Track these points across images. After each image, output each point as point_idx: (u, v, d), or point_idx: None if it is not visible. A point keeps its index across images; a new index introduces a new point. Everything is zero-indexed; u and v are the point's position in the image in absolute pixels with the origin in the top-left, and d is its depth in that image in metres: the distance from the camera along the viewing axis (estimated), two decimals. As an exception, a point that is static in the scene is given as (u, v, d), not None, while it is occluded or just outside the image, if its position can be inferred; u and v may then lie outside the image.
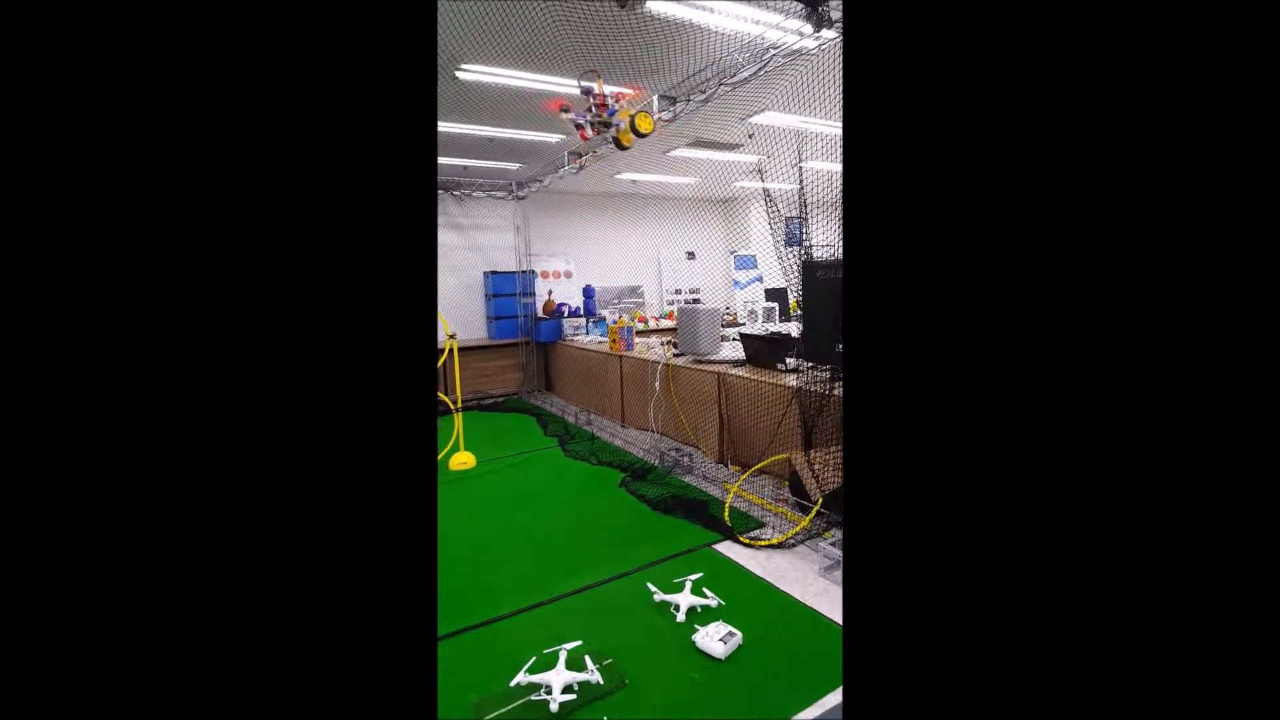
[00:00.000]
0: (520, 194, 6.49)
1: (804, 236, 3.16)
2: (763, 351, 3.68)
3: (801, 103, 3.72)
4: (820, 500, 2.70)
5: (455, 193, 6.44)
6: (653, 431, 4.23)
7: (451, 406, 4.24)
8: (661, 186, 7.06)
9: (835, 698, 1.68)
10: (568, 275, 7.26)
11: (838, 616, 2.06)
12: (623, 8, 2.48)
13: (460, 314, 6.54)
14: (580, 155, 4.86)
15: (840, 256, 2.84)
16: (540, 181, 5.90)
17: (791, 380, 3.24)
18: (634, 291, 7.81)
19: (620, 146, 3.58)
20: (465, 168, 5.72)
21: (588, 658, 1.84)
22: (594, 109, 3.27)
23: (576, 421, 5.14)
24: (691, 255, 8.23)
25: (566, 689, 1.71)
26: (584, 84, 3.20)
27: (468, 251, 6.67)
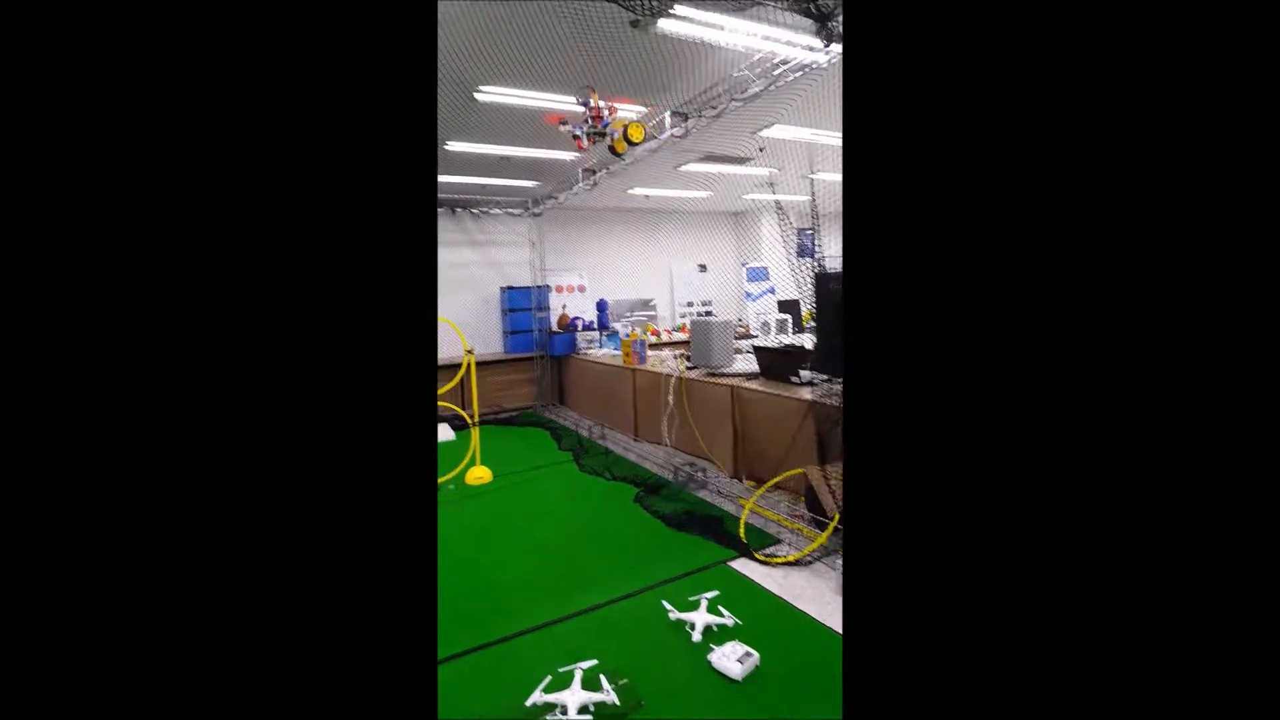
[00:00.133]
0: (536, 211, 6.57)
1: (816, 248, 3.15)
2: (777, 364, 3.66)
3: (812, 115, 3.74)
4: (837, 516, 2.66)
5: (473, 210, 6.54)
6: (666, 446, 4.21)
7: (469, 421, 4.27)
8: (673, 201, 7.10)
9: (856, 721, 1.64)
10: (581, 289, 7.31)
11: (857, 636, 2.02)
12: (636, 28, 2.52)
13: (477, 329, 6.61)
14: (594, 172, 4.92)
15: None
16: (555, 198, 5.98)
17: (806, 393, 3.21)
18: (646, 305, 7.84)
19: (615, 154, 3.75)
20: (483, 186, 5.82)
21: (603, 677, 1.83)
22: (590, 120, 3.44)
23: (590, 436, 5.15)
24: (703, 268, 8.24)
25: (582, 709, 1.70)
26: (580, 98, 3.36)
27: (485, 268, 6.75)
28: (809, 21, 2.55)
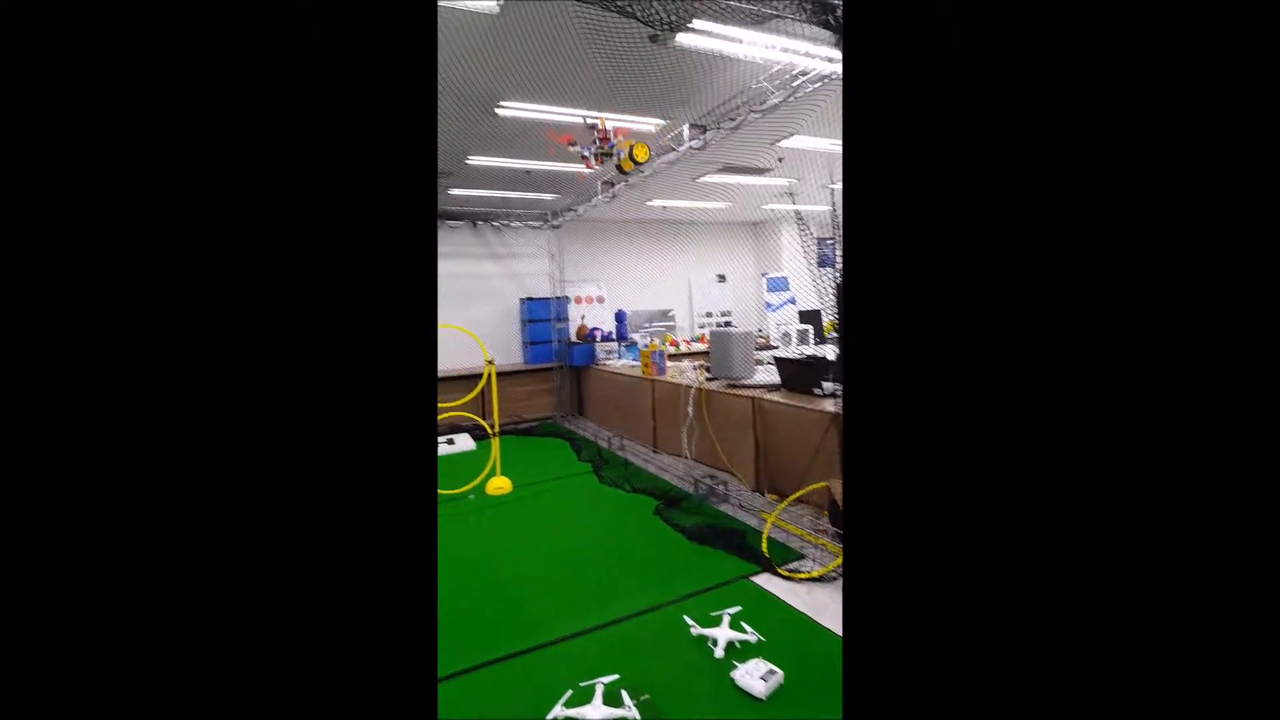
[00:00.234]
0: (555, 223, 6.64)
1: (837, 257, 3.12)
2: (798, 375, 3.62)
3: (832, 126, 3.72)
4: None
5: (494, 223, 6.64)
6: (686, 458, 4.18)
7: (489, 431, 4.29)
8: (691, 211, 7.12)
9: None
10: (600, 300, 7.35)
11: (884, 655, 1.96)
12: (654, 42, 2.54)
13: (498, 340, 6.67)
14: (613, 185, 4.95)
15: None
16: (574, 210, 6.03)
17: (829, 405, 3.17)
18: (665, 315, 7.84)
19: (621, 172, 4.03)
20: (504, 199, 5.90)
21: (625, 693, 1.81)
22: (597, 142, 3.67)
23: (609, 447, 5.14)
24: (722, 278, 8.22)
25: None
26: (589, 121, 3.57)
27: (505, 279, 6.84)
28: (828, 33, 2.54)
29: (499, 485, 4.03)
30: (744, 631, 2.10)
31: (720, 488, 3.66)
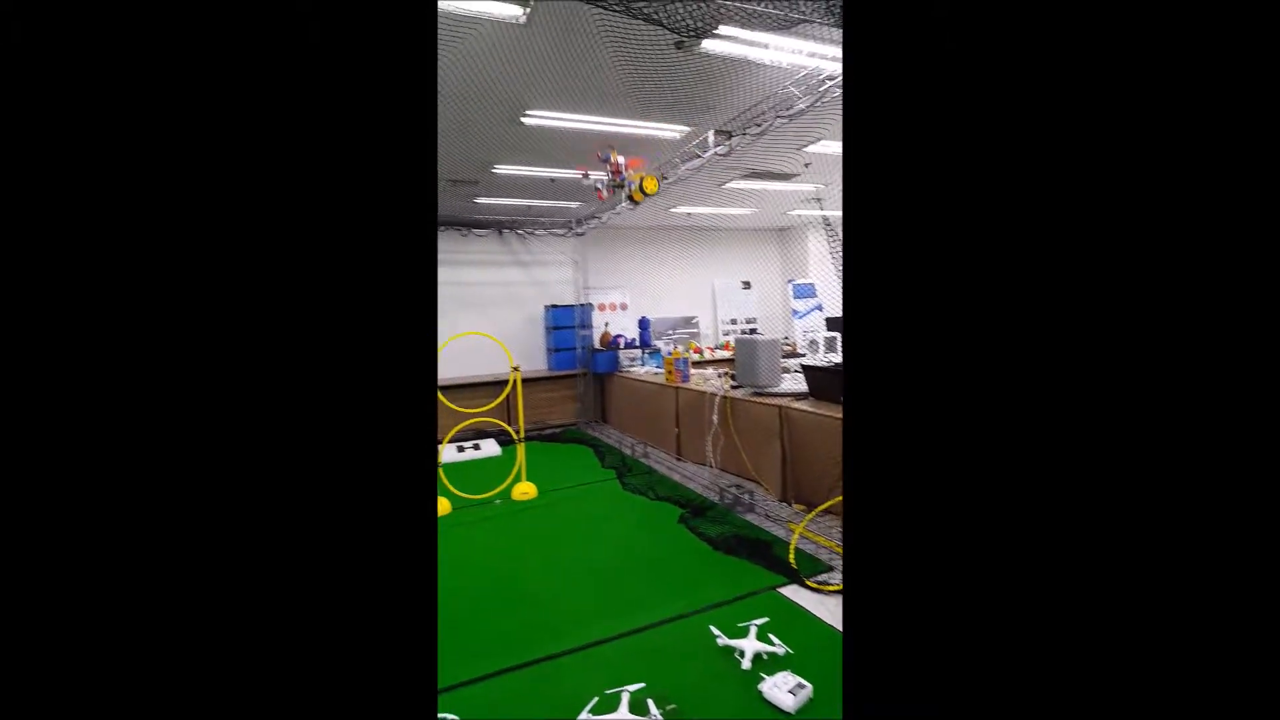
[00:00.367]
0: (579, 230, 6.69)
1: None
2: (827, 384, 3.56)
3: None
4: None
5: (519, 231, 6.72)
6: (711, 467, 4.14)
7: (515, 437, 4.33)
8: (716, 218, 7.10)
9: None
10: (623, 307, 7.37)
11: (918, 672, 1.90)
12: (680, 49, 2.55)
13: (522, 346, 6.74)
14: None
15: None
16: (598, 218, 6.08)
17: (858, 413, 3.10)
18: (689, 322, 7.82)
19: (633, 202, 4.36)
20: (529, 207, 5.98)
21: (651, 702, 1.79)
22: (610, 175, 4.01)
23: (633, 454, 5.12)
24: (747, 285, 8.17)
25: None
26: (601, 155, 3.87)
27: (530, 287, 6.91)
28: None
29: (524, 491, 4.05)
30: (771, 643, 2.06)
31: (746, 497, 3.61)
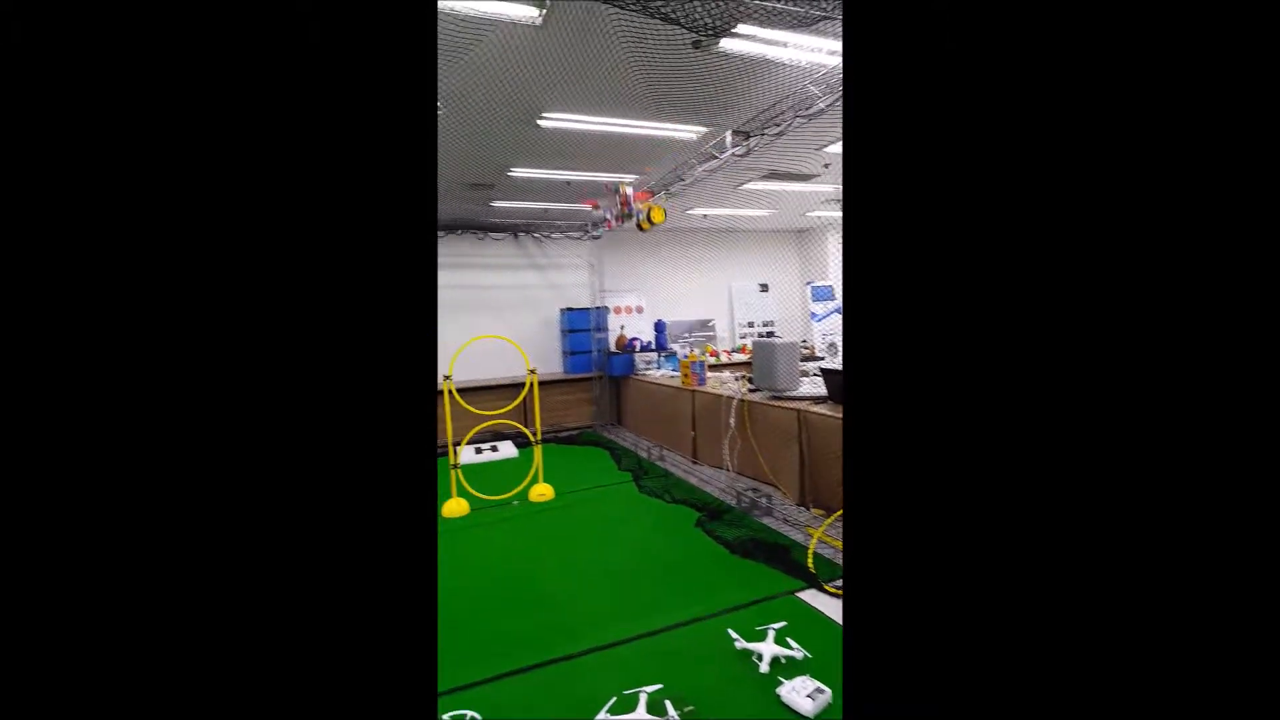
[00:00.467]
0: (595, 233, 6.71)
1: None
2: (845, 386, 3.50)
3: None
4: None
5: (535, 235, 6.76)
6: (728, 470, 4.11)
7: (531, 439, 4.34)
8: (733, 219, 7.07)
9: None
10: (639, 310, 7.36)
11: (942, 680, 1.86)
12: (698, 49, 2.54)
13: (538, 349, 6.77)
14: (653, 194, 4.98)
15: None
16: (620, 180, 6.04)
17: (878, 416, 3.05)
18: (705, 325, 7.79)
19: (640, 229, 4.80)
20: (545, 210, 6.01)
21: (669, 703, 1.78)
22: (618, 205, 4.42)
23: (649, 457, 5.11)
24: (765, 287, 8.12)
25: None
26: (611, 187, 4.27)
27: (545, 290, 6.94)
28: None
29: (541, 492, 4.05)
30: (790, 647, 2.03)
31: (763, 501, 3.58)
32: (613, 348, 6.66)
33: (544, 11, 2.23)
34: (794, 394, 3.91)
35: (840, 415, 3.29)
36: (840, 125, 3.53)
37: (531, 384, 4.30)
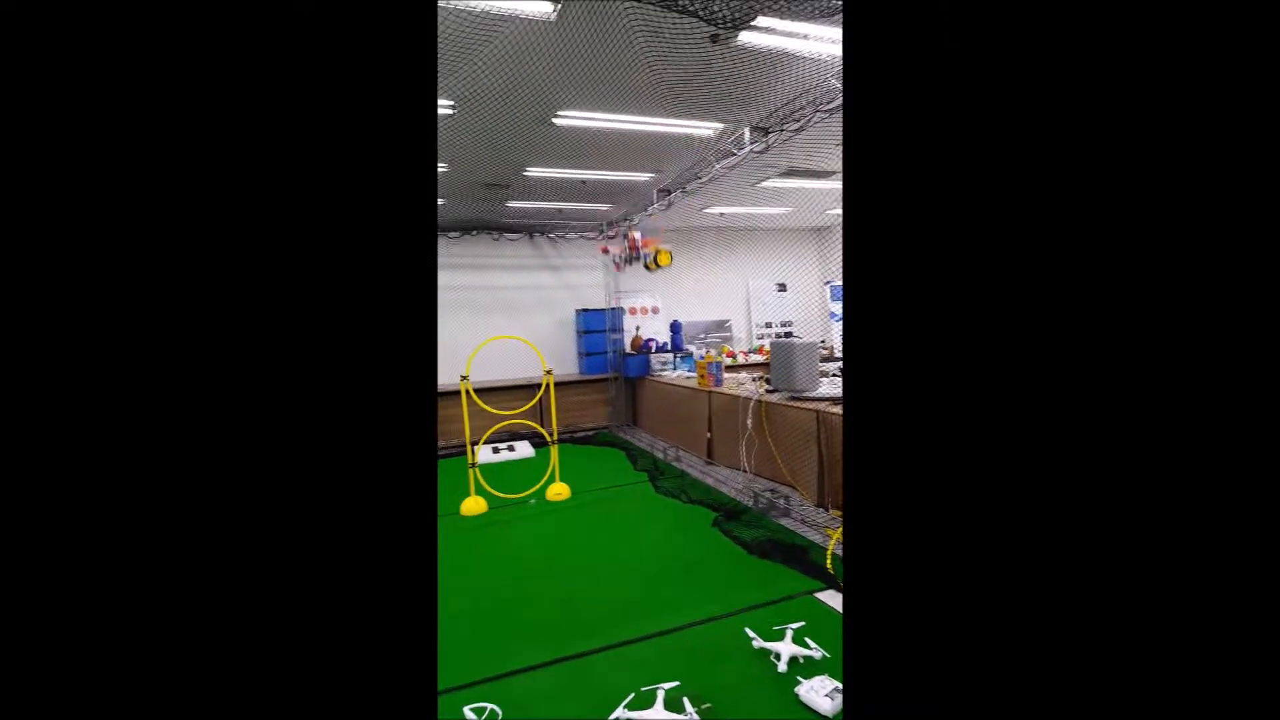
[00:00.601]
0: (610, 234, 6.71)
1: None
2: (865, 384, 3.44)
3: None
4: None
5: (550, 235, 6.79)
6: (744, 471, 4.07)
7: (548, 438, 4.34)
8: (750, 218, 7.03)
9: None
10: (655, 311, 7.35)
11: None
12: (715, 43, 2.53)
13: (554, 350, 6.79)
14: (669, 193, 4.96)
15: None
16: (630, 220, 6.08)
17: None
18: (721, 326, 7.74)
19: (647, 270, 5.32)
20: (560, 210, 6.03)
21: (686, 700, 1.76)
22: (627, 250, 4.94)
23: (665, 458, 5.09)
24: (783, 287, 8.05)
25: None
26: (620, 232, 4.71)
27: (561, 290, 6.96)
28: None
29: (558, 491, 4.05)
30: (808, 647, 2.00)
31: (781, 502, 3.53)
32: (628, 348, 6.65)
33: (558, 7, 2.23)
34: (813, 395, 3.86)
35: (860, 414, 3.23)
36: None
37: (547, 384, 4.30)
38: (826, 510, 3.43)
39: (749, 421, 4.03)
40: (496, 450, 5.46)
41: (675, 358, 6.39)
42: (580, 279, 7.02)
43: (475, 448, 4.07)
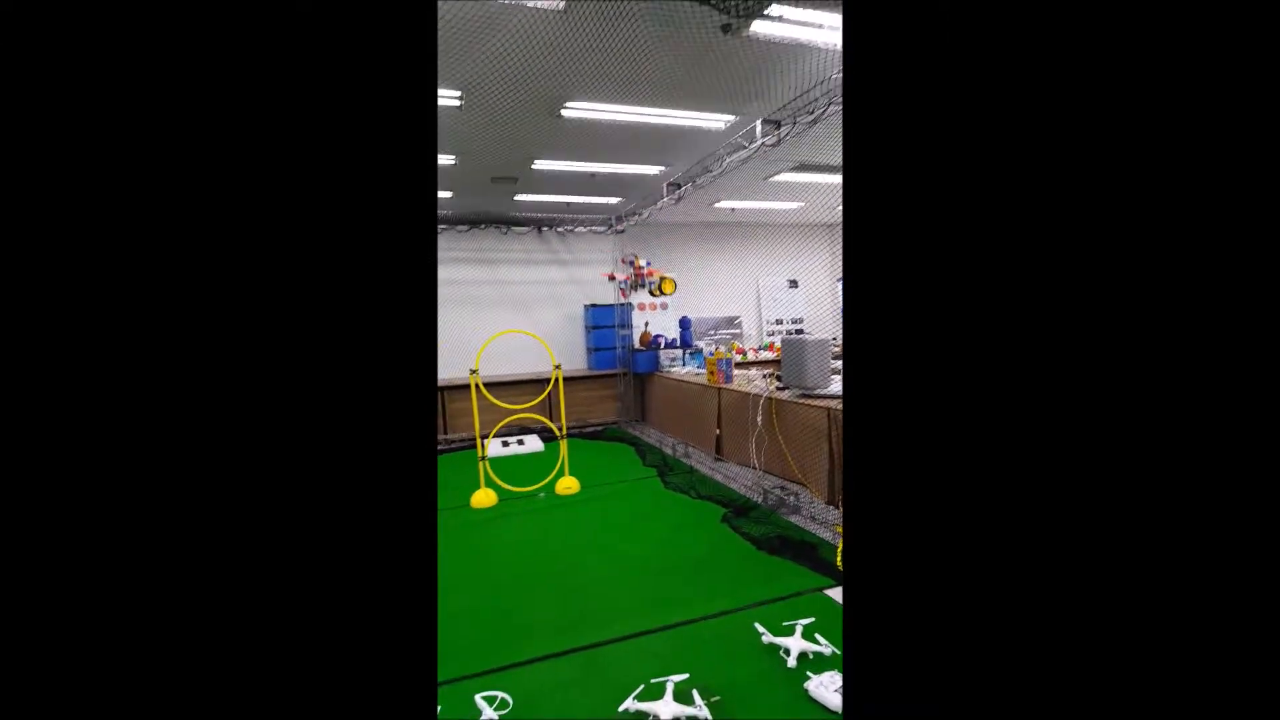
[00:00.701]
0: (619, 228, 6.70)
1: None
2: (876, 380, 3.41)
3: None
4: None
5: (558, 229, 6.78)
6: (754, 468, 4.05)
7: (557, 433, 4.35)
8: (762, 213, 6.97)
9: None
10: (664, 307, 7.32)
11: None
12: (727, 33, 2.50)
13: (562, 345, 6.79)
14: (679, 187, 4.94)
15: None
16: (639, 214, 6.06)
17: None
18: (731, 322, 7.70)
19: (652, 296, 5.67)
20: (568, 204, 6.02)
21: (695, 692, 1.76)
22: (633, 277, 5.26)
23: (674, 453, 5.07)
24: (794, 283, 8.00)
25: None
26: (626, 259, 5.30)
27: (569, 285, 6.95)
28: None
29: (568, 485, 4.06)
30: (818, 643, 1.99)
31: (790, 499, 3.51)
32: (637, 344, 6.63)
33: (570, -3, 2.22)
34: (824, 392, 3.83)
35: (872, 410, 3.20)
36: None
37: (556, 379, 4.30)
38: (837, 508, 3.40)
39: (759, 418, 4.01)
40: (506, 444, 5.47)
41: (684, 354, 6.37)
42: (589, 274, 7.00)
43: (485, 441, 4.08)
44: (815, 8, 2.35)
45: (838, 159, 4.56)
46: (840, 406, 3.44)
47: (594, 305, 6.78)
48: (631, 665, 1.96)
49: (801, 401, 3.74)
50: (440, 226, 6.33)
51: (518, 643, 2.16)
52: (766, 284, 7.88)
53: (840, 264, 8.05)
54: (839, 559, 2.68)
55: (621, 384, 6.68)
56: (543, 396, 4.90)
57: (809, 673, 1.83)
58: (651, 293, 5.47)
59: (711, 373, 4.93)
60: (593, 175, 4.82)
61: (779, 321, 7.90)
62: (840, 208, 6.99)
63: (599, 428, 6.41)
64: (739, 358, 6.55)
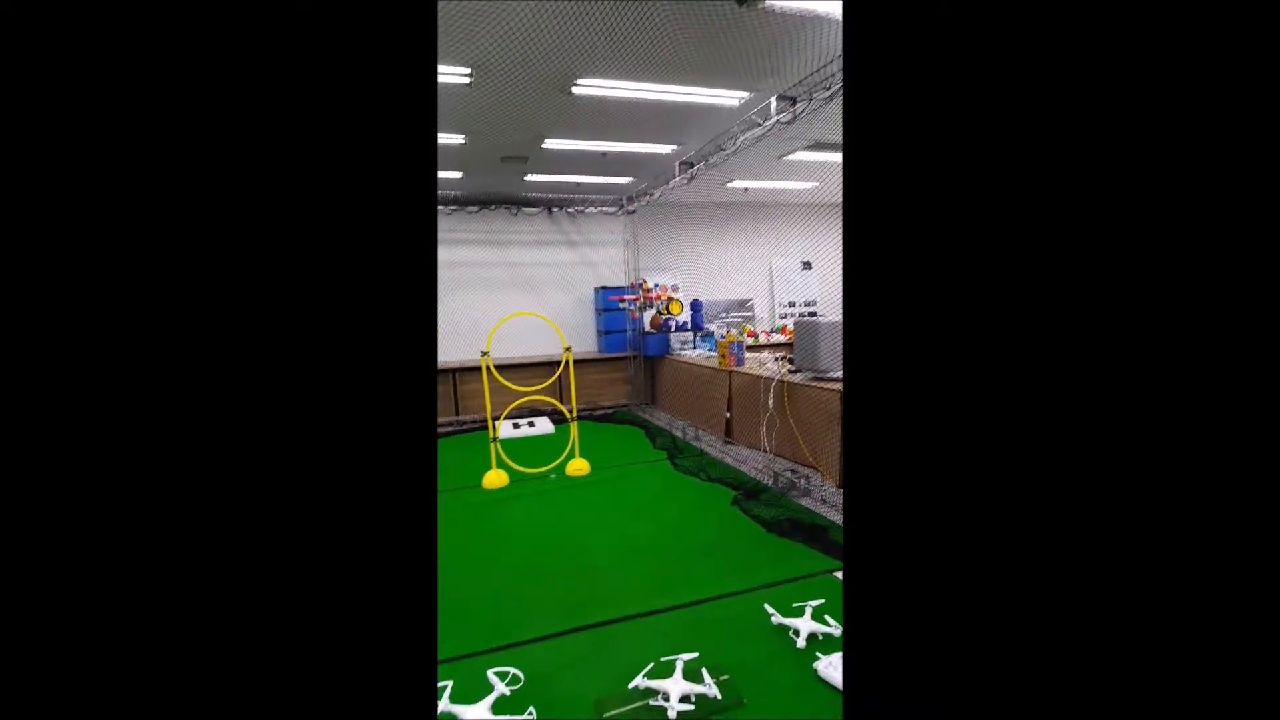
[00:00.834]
0: (630, 209, 6.63)
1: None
2: (890, 363, 3.37)
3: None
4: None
5: (569, 210, 6.73)
6: (764, 451, 4.04)
7: (568, 415, 4.36)
8: (775, 193, 6.86)
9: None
10: (675, 289, 7.27)
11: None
12: (742, 5, 2.43)
13: (573, 328, 6.78)
14: (691, 165, 4.87)
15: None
16: (650, 195, 5.99)
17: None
18: (743, 305, 7.64)
19: (659, 315, 5.78)
20: (578, 184, 5.96)
21: (705, 671, 1.77)
22: (642, 298, 5.41)
23: (684, 436, 5.08)
24: (808, 265, 7.90)
25: (684, 699, 1.67)
26: (635, 282, 5.63)
27: (580, 267, 6.92)
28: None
29: (578, 467, 4.08)
30: (827, 625, 1.99)
31: (801, 482, 3.51)
32: (648, 327, 6.61)
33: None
34: (837, 375, 3.79)
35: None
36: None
37: (567, 362, 4.31)
38: (848, 490, 3.39)
39: (770, 401, 3.99)
40: (517, 426, 5.51)
41: (695, 337, 6.34)
42: (599, 255, 6.96)
43: (496, 423, 4.11)
44: (834, -23, 2.28)
45: (854, 137, 4.44)
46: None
47: (604, 288, 6.75)
48: (641, 644, 1.99)
49: (814, 384, 3.71)
50: (450, 207, 6.31)
51: (529, 620, 2.19)
52: (779, 266, 7.79)
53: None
54: (849, 542, 2.68)
55: (632, 367, 6.68)
56: (553, 379, 4.91)
57: (818, 653, 1.85)
58: (660, 313, 5.56)
59: (723, 356, 4.91)
60: (604, 154, 4.76)
61: (792, 304, 7.82)
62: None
63: (609, 410, 6.42)
64: (751, 340, 6.51)
